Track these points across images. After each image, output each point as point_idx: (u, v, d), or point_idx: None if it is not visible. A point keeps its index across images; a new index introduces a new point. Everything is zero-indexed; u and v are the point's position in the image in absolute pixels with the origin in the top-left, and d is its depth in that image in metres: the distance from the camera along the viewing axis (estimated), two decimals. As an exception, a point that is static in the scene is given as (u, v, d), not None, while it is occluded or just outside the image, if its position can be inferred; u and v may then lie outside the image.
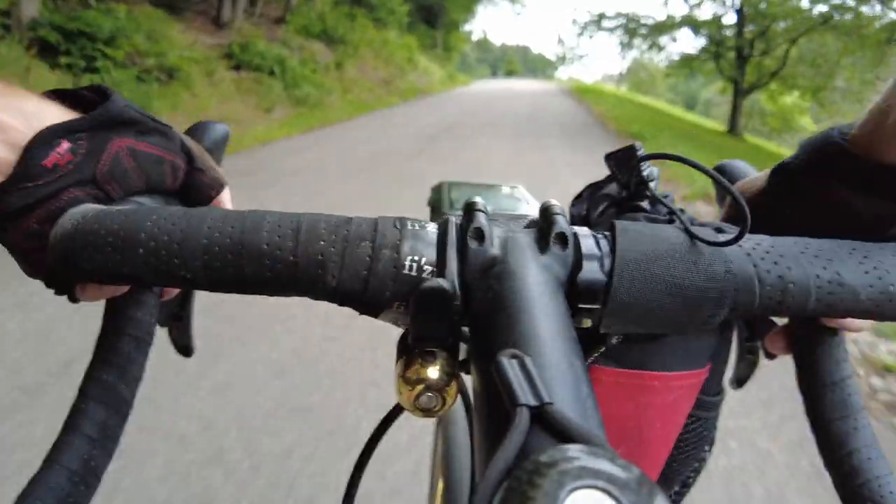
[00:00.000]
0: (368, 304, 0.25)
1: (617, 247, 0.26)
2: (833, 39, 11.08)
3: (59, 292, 0.28)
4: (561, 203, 0.28)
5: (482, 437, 0.19)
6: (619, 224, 0.27)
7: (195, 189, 0.32)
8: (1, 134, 0.24)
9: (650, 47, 14.02)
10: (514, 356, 0.19)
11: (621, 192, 0.34)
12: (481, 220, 0.26)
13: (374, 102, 11.35)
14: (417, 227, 0.26)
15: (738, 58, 12.21)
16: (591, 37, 15.45)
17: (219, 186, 0.33)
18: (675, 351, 0.32)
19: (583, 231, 0.27)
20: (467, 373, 0.26)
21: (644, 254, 0.26)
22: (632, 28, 13.65)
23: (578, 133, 8.01)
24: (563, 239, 0.26)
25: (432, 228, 0.26)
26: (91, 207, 0.26)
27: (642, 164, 0.31)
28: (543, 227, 0.27)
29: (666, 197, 0.31)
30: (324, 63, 11.64)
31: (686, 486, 0.39)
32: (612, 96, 15.29)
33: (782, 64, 11.56)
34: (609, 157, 0.33)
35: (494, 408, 0.19)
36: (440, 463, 0.67)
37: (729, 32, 12.54)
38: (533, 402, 0.17)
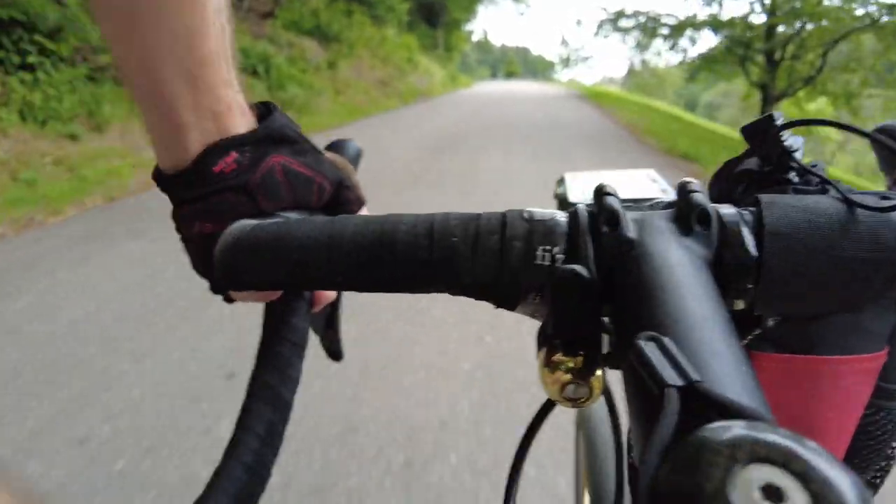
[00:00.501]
0: (503, 296, 0.26)
1: (765, 221, 0.24)
2: (871, 41, 10.04)
3: (216, 292, 0.31)
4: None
5: (636, 428, 0.19)
6: (766, 197, 0.25)
7: (340, 205, 0.34)
8: (213, 126, 0.29)
9: (671, 48, 12.98)
10: (650, 338, 0.18)
11: (763, 166, 0.31)
12: (613, 203, 0.25)
13: (370, 106, 10.27)
14: (547, 217, 0.26)
15: (767, 62, 11.17)
16: (605, 36, 14.41)
17: (360, 203, 0.35)
18: (844, 332, 0.29)
19: (726, 208, 0.26)
20: (611, 367, 0.25)
21: (797, 226, 0.24)
22: (651, 28, 12.62)
23: (611, 148, 6.57)
24: (704, 217, 0.25)
25: (562, 217, 0.26)
26: (247, 223, 0.28)
27: (783, 133, 0.29)
28: (682, 206, 0.25)
29: (815, 166, 0.29)
30: (315, 62, 10.58)
31: (872, 487, 0.34)
32: (629, 102, 14.15)
33: (819, 69, 10.51)
34: (745, 130, 0.32)
35: (644, 395, 0.18)
36: (584, 464, 0.65)
37: (748, 33, 11.51)
38: (679, 381, 0.16)
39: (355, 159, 0.37)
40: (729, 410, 0.15)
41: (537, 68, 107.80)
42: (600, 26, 13.28)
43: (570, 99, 15.26)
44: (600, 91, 20.34)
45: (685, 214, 0.25)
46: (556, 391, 0.25)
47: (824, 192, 0.28)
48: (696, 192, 0.25)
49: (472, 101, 12.90)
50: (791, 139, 0.30)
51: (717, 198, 0.32)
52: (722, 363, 0.18)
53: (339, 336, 0.39)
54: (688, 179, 0.27)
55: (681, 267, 0.23)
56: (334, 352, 0.39)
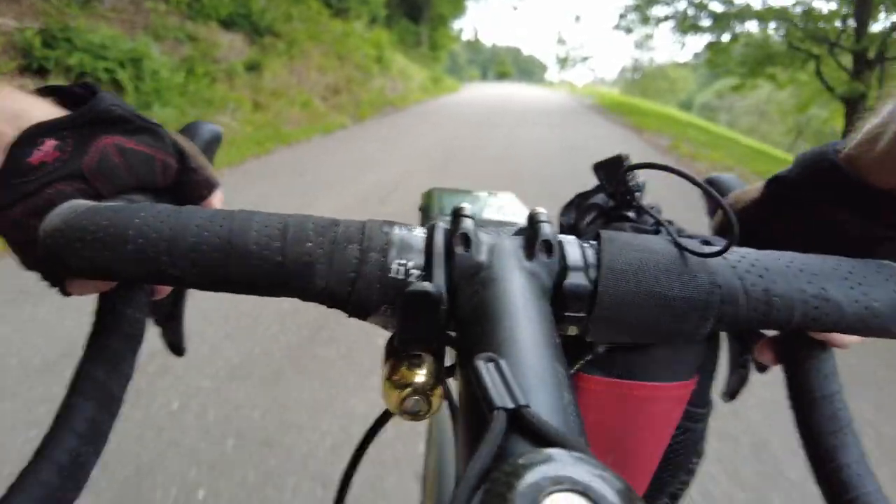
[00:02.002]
0: (356, 306, 0.26)
1: (603, 256, 0.26)
2: None
3: (52, 285, 0.29)
4: (549, 212, 0.28)
5: (464, 442, 0.20)
6: (606, 234, 0.27)
7: (187, 188, 0.32)
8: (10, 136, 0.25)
9: (711, 47, 9.89)
10: (489, 359, 0.19)
11: (609, 201, 0.34)
12: (468, 225, 0.26)
13: (302, 127, 7.02)
14: (405, 232, 0.26)
15: (855, 63, 8.08)
16: (628, 30, 11.35)
17: (211, 186, 0.33)
18: (663, 361, 0.32)
19: (569, 239, 0.27)
20: (454, 378, 0.26)
21: (630, 263, 0.26)
22: (691, 17, 9.59)
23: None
24: (548, 246, 0.26)
25: (420, 233, 0.27)
26: (80, 203, 0.26)
27: (630, 174, 0.32)
28: (530, 234, 0.27)
29: (652, 208, 0.32)
30: (227, 63, 7.42)
31: (675, 497, 0.39)
32: (656, 114, 11.05)
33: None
34: (598, 167, 0.33)
35: (475, 412, 0.19)
36: (430, 469, 0.67)
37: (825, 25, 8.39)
38: (509, 404, 0.17)
39: (211, 143, 0.35)
40: (548, 438, 0.16)
41: (528, 69, 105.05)
42: (623, 16, 10.15)
43: (589, 113, 11.86)
44: (621, 101, 16.47)
45: (532, 242, 0.26)
46: (397, 404, 0.26)
47: (657, 232, 0.31)
48: (543, 222, 0.27)
49: (456, 116, 9.69)
50: (636, 180, 0.32)
51: (564, 227, 0.36)
52: (546, 388, 0.19)
53: (182, 328, 0.37)
54: (538, 210, 0.28)
55: (522, 293, 0.24)
56: (175, 345, 0.38)
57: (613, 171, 0.33)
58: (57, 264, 0.25)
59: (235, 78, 7.28)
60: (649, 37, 11.04)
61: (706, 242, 0.29)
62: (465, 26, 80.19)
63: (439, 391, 0.26)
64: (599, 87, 48.84)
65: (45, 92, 0.28)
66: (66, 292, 0.29)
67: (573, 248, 0.27)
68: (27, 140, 0.25)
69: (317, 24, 10.53)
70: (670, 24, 10.04)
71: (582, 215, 0.35)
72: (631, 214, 0.33)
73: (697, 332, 0.27)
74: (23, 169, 0.25)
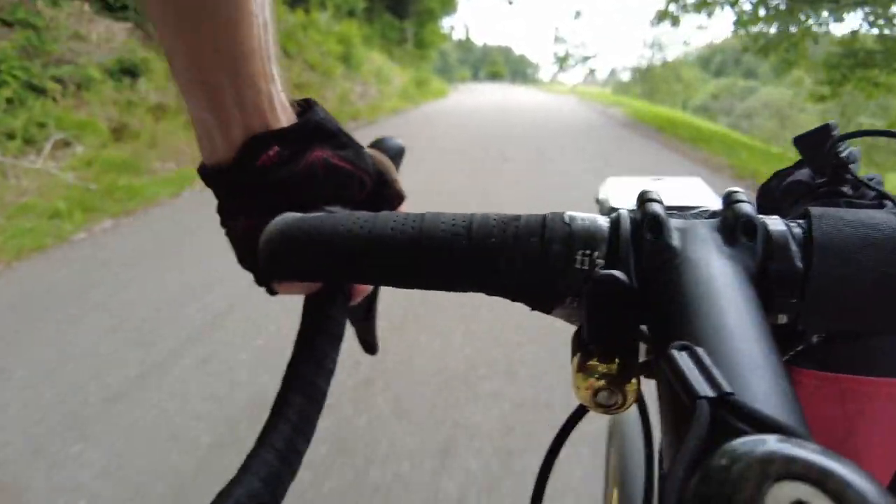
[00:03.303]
0: (540, 298, 0.25)
1: (814, 234, 0.24)
2: None
3: (260, 284, 0.32)
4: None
5: (667, 438, 0.19)
6: (816, 210, 0.25)
7: (381, 200, 0.34)
8: (246, 123, 0.29)
9: (781, 42, 7.32)
10: (683, 347, 0.18)
11: (816, 177, 0.31)
12: (657, 209, 0.25)
13: (170, 175, 4.11)
14: (587, 222, 0.25)
15: None
16: (675, 21, 8.78)
17: (401, 198, 0.35)
18: (893, 353, 0.28)
19: (773, 219, 0.25)
20: (647, 376, 0.25)
21: (848, 241, 0.23)
22: (761, 3, 7.06)
23: None
24: (750, 227, 0.24)
25: (604, 222, 0.25)
26: (290, 216, 0.28)
27: (840, 144, 0.29)
28: (728, 216, 0.25)
29: (871, 179, 0.29)
30: (102, 62, 4.77)
31: None
32: (724, 139, 8.37)
33: None
34: (799, 140, 0.31)
35: (676, 406, 0.18)
36: (614, 471, 0.65)
37: None
38: (710, 392, 0.16)
39: (397, 157, 0.37)
40: (763, 424, 0.15)
41: (520, 68, 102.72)
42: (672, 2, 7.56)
43: (634, 137, 7.47)
44: (658, 113, 11.77)
45: (730, 224, 0.24)
46: (589, 397, 0.25)
47: (881, 206, 0.27)
48: (742, 202, 0.25)
49: (441, 138, 6.93)
50: (848, 151, 0.29)
51: (764, 208, 0.32)
52: (758, 377, 0.18)
53: (374, 328, 0.40)
54: (734, 189, 0.26)
55: (723, 278, 0.22)
56: (369, 344, 0.40)
57: (819, 144, 0.30)
58: (272, 269, 0.28)
59: (92, 88, 4.60)
60: (702, 28, 8.44)
61: None
62: (456, 25, 77.39)
63: (633, 384, 0.24)
64: (591, 89, 46.31)
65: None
66: (272, 292, 0.32)
67: (778, 227, 0.24)
68: (261, 141, 0.29)
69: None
70: (727, 10, 7.54)
71: (785, 196, 0.32)
72: (845, 189, 0.30)
73: None
74: (248, 167, 0.29)
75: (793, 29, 7.64)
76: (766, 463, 0.12)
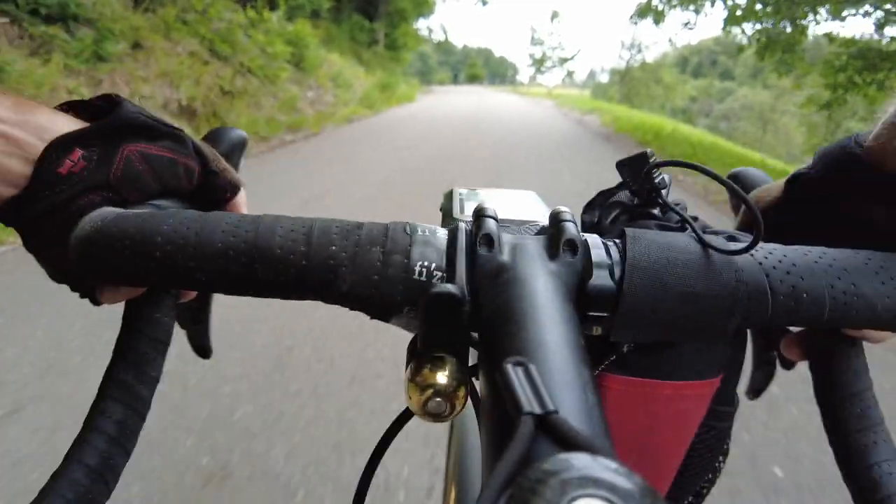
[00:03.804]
0: (379, 308, 0.26)
1: (628, 254, 0.26)
2: None
3: (82, 295, 0.30)
4: (572, 210, 0.28)
5: (488, 444, 0.20)
6: (630, 231, 0.27)
7: (210, 191, 0.32)
8: (16, 149, 0.25)
9: (775, 43, 6.41)
10: (518, 363, 0.19)
11: (633, 199, 0.34)
12: (491, 226, 0.26)
13: None
14: (427, 233, 0.26)
15: None
16: (659, 20, 7.82)
17: (234, 189, 0.33)
18: (687, 360, 0.31)
19: (593, 238, 0.27)
20: (478, 378, 0.25)
21: (655, 261, 0.25)
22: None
23: None
24: (572, 246, 0.26)
25: (442, 234, 0.27)
26: (109, 211, 0.26)
27: (654, 171, 0.31)
28: (553, 233, 0.27)
29: (678, 205, 0.31)
30: None
31: (699, 496, 0.38)
32: (709, 145, 7.30)
33: None
34: (621, 165, 0.33)
35: (500, 415, 0.19)
36: (452, 469, 0.67)
37: None
38: (538, 409, 0.17)
39: (235, 148, 0.36)
40: (574, 443, 0.16)
41: (500, 71, 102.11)
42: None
43: (604, 155, 6.08)
44: (642, 120, 10.15)
45: (556, 242, 0.26)
46: (420, 406, 0.25)
47: (683, 229, 0.30)
48: (567, 221, 0.27)
49: (383, 159, 5.59)
50: (661, 177, 0.32)
51: (587, 225, 0.35)
52: (573, 393, 0.19)
53: (208, 331, 0.38)
54: (561, 208, 0.28)
55: (546, 294, 0.23)
56: (202, 348, 0.38)
57: (638, 169, 0.32)
58: (88, 272, 0.26)
59: None
60: (689, 25, 7.53)
61: (732, 238, 0.28)
62: (435, 27, 76.38)
63: (462, 392, 0.25)
64: (570, 91, 45.43)
65: (66, 107, 0.29)
66: (96, 301, 0.30)
67: (597, 246, 0.26)
68: (55, 151, 0.26)
69: (184, 11, 6.79)
70: (718, 6, 6.63)
71: (605, 213, 0.35)
72: (655, 212, 0.33)
73: (724, 329, 0.26)
74: (52, 180, 0.26)
75: (786, 28, 6.76)
76: (566, 483, 0.13)
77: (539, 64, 50.12)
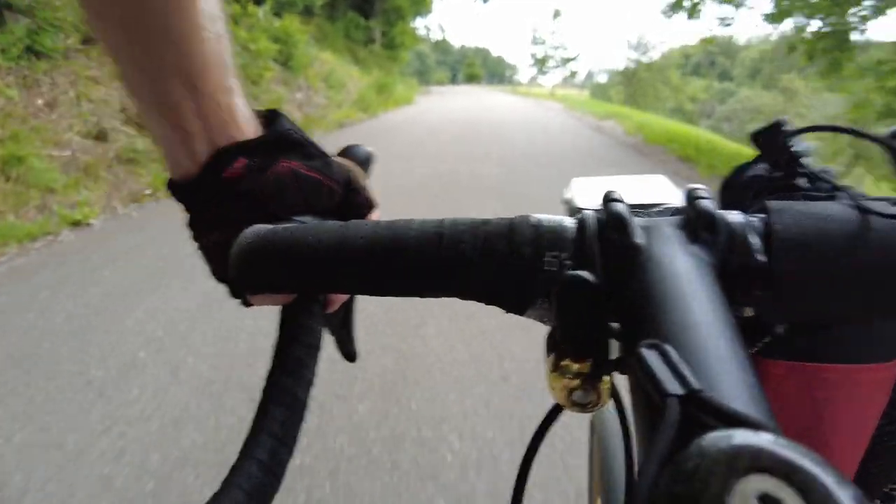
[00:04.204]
0: (512, 301, 0.26)
1: (774, 227, 0.24)
2: None
3: (234, 296, 0.31)
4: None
5: (639, 435, 0.19)
6: (773, 204, 0.25)
7: (351, 208, 0.34)
8: (211, 136, 0.29)
9: (834, 41, 5.59)
10: (652, 346, 0.18)
11: (773, 172, 0.32)
12: (621, 209, 0.25)
13: None
14: (555, 223, 0.26)
15: None
16: (693, 13, 6.96)
17: (370, 206, 0.35)
18: (857, 340, 0.29)
19: (733, 214, 0.26)
20: (621, 372, 0.25)
21: (806, 233, 0.24)
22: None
23: None
24: (711, 223, 0.25)
25: (570, 223, 0.26)
26: (261, 228, 0.28)
27: (793, 139, 0.30)
28: (690, 213, 0.26)
29: (826, 172, 0.30)
30: None
31: (889, 499, 0.34)
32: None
33: None
34: (755, 136, 0.32)
35: (647, 404, 0.18)
36: (596, 468, 0.65)
37: None
38: (679, 390, 0.16)
39: (366, 163, 0.37)
40: (730, 419, 0.15)
41: (498, 71, 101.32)
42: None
43: (648, 168, 5.21)
44: (679, 134, 8.28)
45: (692, 221, 0.25)
46: (564, 396, 0.25)
47: (835, 198, 0.28)
48: (703, 198, 0.25)
49: (385, 172, 4.88)
50: (801, 145, 0.30)
51: (726, 204, 0.33)
52: (725, 371, 0.18)
53: (353, 336, 0.40)
54: (695, 186, 0.27)
55: (687, 274, 0.23)
56: (348, 352, 0.40)
57: (774, 139, 0.30)
58: (246, 283, 0.28)
59: None
60: (726, 21, 6.71)
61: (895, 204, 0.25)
62: (433, 26, 75.31)
63: (607, 382, 0.25)
64: (569, 92, 44.53)
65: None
66: (247, 304, 0.31)
67: (739, 221, 0.25)
68: (227, 154, 0.29)
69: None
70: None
71: (744, 190, 0.33)
72: (801, 183, 0.31)
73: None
74: (216, 181, 0.29)
75: (838, 24, 5.93)
76: (733, 458, 0.12)
77: (541, 64, 48.99)
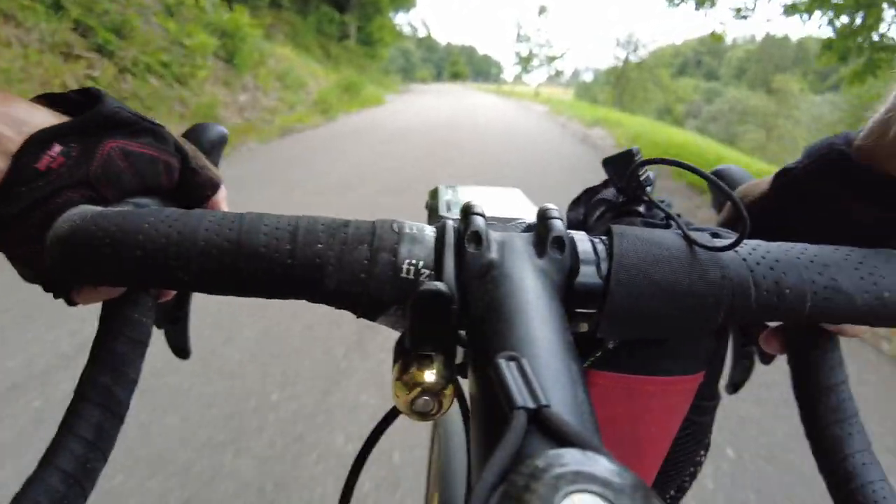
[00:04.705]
0: (366, 307, 0.26)
1: (614, 251, 0.26)
2: None
3: (56, 295, 0.28)
4: (558, 207, 0.28)
5: (479, 440, 0.19)
6: (617, 228, 0.27)
7: (191, 189, 0.32)
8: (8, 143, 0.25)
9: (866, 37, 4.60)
10: (511, 358, 0.19)
11: (618, 196, 0.34)
12: (479, 223, 0.26)
13: None
14: (415, 231, 0.26)
15: None
16: (704, 3, 5.95)
17: (214, 186, 0.33)
18: (672, 356, 0.32)
19: (579, 235, 0.27)
20: (465, 377, 0.26)
21: (641, 258, 0.26)
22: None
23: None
24: (559, 243, 0.26)
25: (430, 231, 0.26)
26: (88, 209, 0.26)
27: (640, 168, 0.31)
28: (541, 230, 0.27)
29: (663, 202, 0.31)
30: None
31: (681, 490, 0.39)
32: None
33: None
34: (607, 162, 0.33)
35: (492, 411, 0.19)
36: (435, 472, 0.65)
37: None
38: (531, 404, 0.17)
39: (216, 144, 0.35)
40: (566, 438, 0.16)
41: (484, 69, 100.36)
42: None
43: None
44: (684, 146, 7.82)
45: (543, 239, 0.26)
46: (407, 405, 0.25)
47: (668, 226, 0.30)
48: (554, 218, 0.27)
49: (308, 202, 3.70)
50: (646, 174, 0.32)
51: (573, 222, 0.35)
52: (563, 387, 0.19)
53: (187, 331, 0.37)
54: (548, 206, 0.28)
55: (534, 290, 0.24)
56: (180, 349, 0.37)
57: (624, 166, 0.32)
58: (65, 272, 0.25)
59: None
60: (743, 13, 5.70)
61: (716, 235, 0.29)
62: (418, 23, 73.76)
63: (450, 391, 0.25)
64: (553, 90, 43.49)
65: (43, 100, 0.28)
66: (71, 302, 0.29)
67: (584, 243, 0.26)
68: (34, 146, 0.25)
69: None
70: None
71: (591, 211, 0.35)
72: (641, 209, 0.33)
73: (708, 325, 0.26)
74: (30, 175, 0.25)
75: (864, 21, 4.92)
76: (560, 478, 0.13)
77: (525, 62, 47.70)
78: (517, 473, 0.14)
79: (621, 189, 0.33)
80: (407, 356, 0.25)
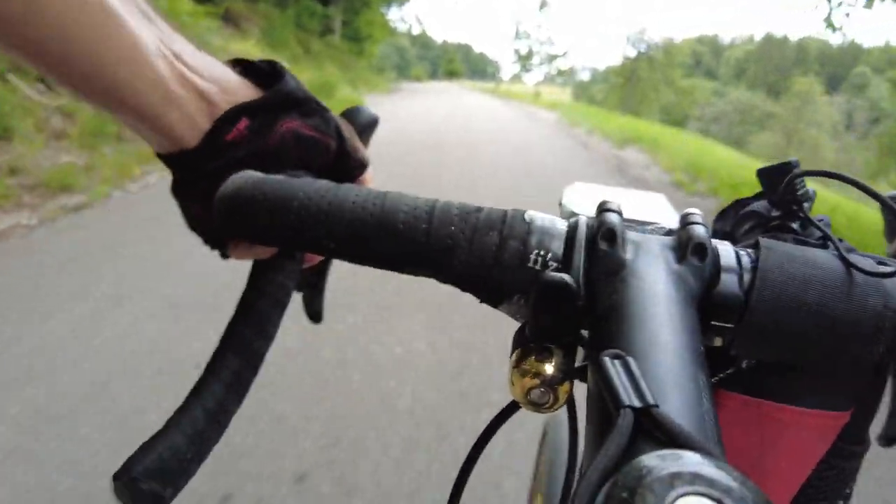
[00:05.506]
0: (490, 292, 0.26)
1: (760, 265, 0.25)
2: None
3: (213, 247, 0.31)
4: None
5: (589, 442, 0.19)
6: (766, 241, 0.26)
7: (343, 167, 0.34)
8: (208, 107, 0.28)
9: None
10: (616, 356, 0.19)
11: (771, 210, 0.32)
12: (614, 220, 0.25)
13: None
14: (547, 223, 0.26)
15: None
16: None
17: (362, 167, 0.35)
18: (813, 386, 0.29)
19: (724, 245, 0.26)
20: (583, 381, 0.25)
21: (790, 275, 0.24)
22: None
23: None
24: (701, 250, 0.25)
25: (562, 225, 0.26)
26: (252, 174, 0.27)
27: (799, 182, 0.30)
28: (681, 235, 0.26)
29: (821, 220, 0.30)
30: None
31: None
32: None
33: None
34: (762, 173, 0.32)
35: (602, 411, 0.19)
36: (541, 475, 0.66)
37: None
38: (637, 403, 0.17)
39: (368, 127, 0.37)
40: (679, 439, 0.15)
41: (480, 67, 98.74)
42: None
43: None
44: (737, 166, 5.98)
45: (683, 244, 0.25)
46: (522, 394, 0.25)
47: (825, 247, 0.28)
48: (697, 223, 0.26)
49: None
50: (805, 189, 0.30)
51: (718, 233, 0.34)
52: (683, 393, 0.18)
53: (322, 298, 0.39)
54: (692, 210, 0.27)
55: (666, 295, 0.23)
56: (315, 313, 0.39)
57: (779, 178, 0.30)
58: (228, 228, 0.27)
59: None
60: None
61: (882, 264, 0.26)
62: (412, 18, 71.91)
63: (566, 386, 0.25)
64: (551, 90, 41.69)
65: (235, 64, 0.31)
66: (225, 255, 0.31)
67: (728, 253, 0.25)
68: (230, 117, 0.29)
69: None
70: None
71: (739, 223, 0.33)
72: (795, 226, 0.31)
73: (862, 358, 0.24)
74: (218, 145, 0.29)
75: None
76: (674, 477, 0.13)
77: (525, 60, 45.80)
78: (624, 472, 0.13)
79: (775, 202, 0.31)
80: (526, 346, 0.25)
